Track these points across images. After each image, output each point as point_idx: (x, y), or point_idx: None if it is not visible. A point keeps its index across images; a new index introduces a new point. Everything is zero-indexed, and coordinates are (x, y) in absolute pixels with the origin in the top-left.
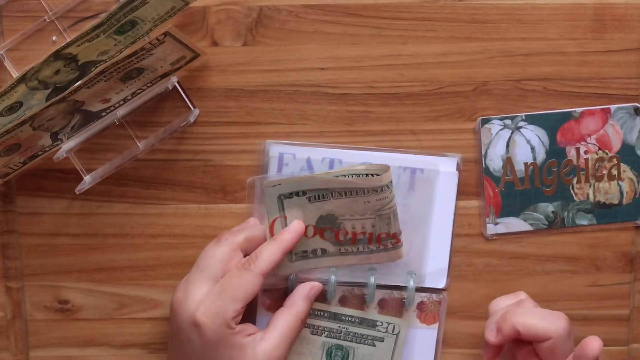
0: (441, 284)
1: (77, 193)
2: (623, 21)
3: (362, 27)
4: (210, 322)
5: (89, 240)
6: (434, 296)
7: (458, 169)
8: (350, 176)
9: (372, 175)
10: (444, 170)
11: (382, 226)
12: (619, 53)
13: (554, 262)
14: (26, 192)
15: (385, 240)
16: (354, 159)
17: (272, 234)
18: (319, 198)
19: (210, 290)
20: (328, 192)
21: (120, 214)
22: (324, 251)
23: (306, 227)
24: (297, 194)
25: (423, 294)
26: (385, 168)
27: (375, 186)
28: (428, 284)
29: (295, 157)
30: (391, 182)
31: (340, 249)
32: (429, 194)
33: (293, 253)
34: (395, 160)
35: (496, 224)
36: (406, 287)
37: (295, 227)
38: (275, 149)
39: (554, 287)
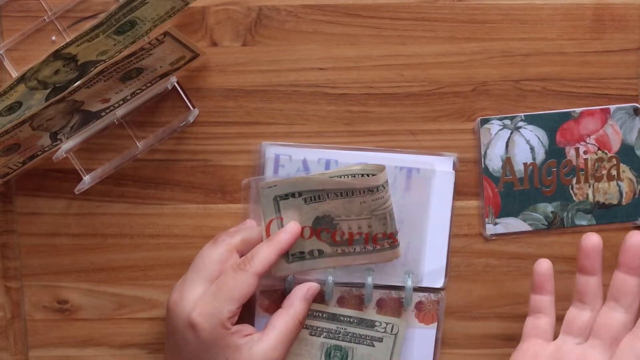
0: (439, 284)
1: (77, 193)
2: (622, 21)
3: (361, 27)
4: (206, 322)
5: (88, 240)
6: (432, 296)
7: (454, 168)
8: (346, 176)
9: (368, 175)
10: (440, 170)
11: (378, 226)
12: (618, 53)
13: (553, 262)
14: (26, 192)
15: (382, 240)
16: (350, 159)
17: (268, 235)
18: (314, 199)
19: (205, 290)
20: (324, 193)
21: (120, 214)
22: (320, 252)
23: (302, 228)
24: (293, 195)
25: (421, 294)
26: (381, 168)
27: (371, 186)
28: (426, 283)
29: (292, 159)
30: (387, 182)
31: (337, 250)
32: (426, 194)
33: (290, 254)
34: (391, 160)
35: (495, 224)
36: (404, 287)
37: (291, 228)
38: (271, 150)
39: (554, 287)
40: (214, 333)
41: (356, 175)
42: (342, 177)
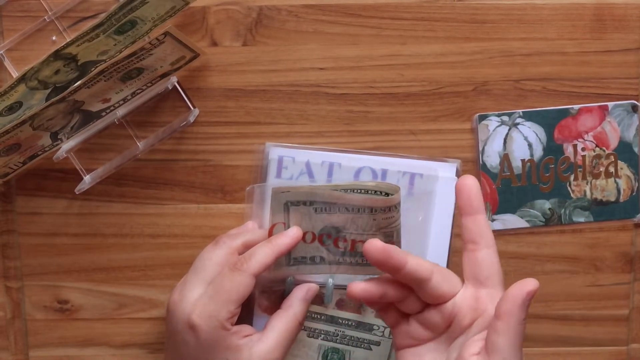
0: None
1: (77, 193)
2: (622, 21)
3: (361, 27)
4: (205, 324)
5: (89, 240)
6: None
7: (458, 174)
8: (360, 191)
9: (382, 193)
10: (444, 176)
11: (384, 242)
12: (619, 53)
13: (553, 262)
14: (26, 192)
15: None
16: (353, 163)
17: (270, 236)
18: (325, 210)
19: (204, 292)
20: (335, 206)
21: (120, 213)
22: (322, 259)
23: (305, 233)
24: (305, 203)
25: None
26: (396, 188)
27: (384, 206)
28: None
29: (295, 161)
30: (399, 203)
31: (338, 259)
32: (428, 200)
33: (292, 257)
34: (394, 164)
35: (493, 220)
36: None
37: (293, 232)
38: (275, 151)
39: (554, 287)
40: (213, 334)
41: (370, 192)
42: (355, 191)
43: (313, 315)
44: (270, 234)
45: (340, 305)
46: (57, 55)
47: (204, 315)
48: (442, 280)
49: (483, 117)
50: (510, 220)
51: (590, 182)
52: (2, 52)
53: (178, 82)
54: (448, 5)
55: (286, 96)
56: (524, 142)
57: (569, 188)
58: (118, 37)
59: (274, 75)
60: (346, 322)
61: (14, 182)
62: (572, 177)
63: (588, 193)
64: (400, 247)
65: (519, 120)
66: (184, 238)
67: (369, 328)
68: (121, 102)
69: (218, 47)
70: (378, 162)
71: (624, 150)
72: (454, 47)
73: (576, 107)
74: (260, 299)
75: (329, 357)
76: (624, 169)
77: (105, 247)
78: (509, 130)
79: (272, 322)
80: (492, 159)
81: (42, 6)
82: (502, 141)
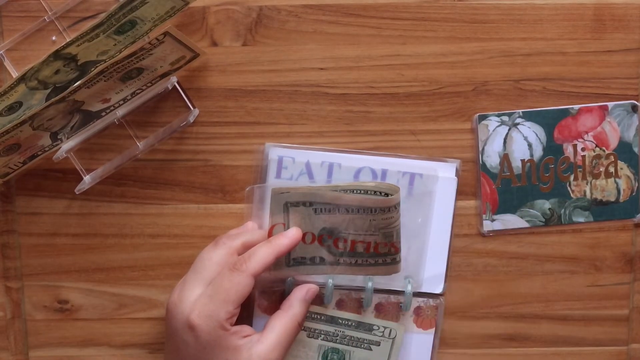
0: (438, 289)
1: (77, 193)
2: (622, 21)
3: (361, 27)
4: (204, 324)
5: (89, 240)
6: (431, 301)
7: (457, 174)
8: (359, 192)
9: (381, 193)
10: (443, 176)
11: (383, 242)
12: (619, 53)
13: (553, 262)
14: (26, 192)
15: (384, 256)
16: (353, 163)
17: (270, 237)
18: (325, 211)
19: (203, 292)
20: (335, 207)
21: (120, 214)
22: (322, 260)
23: (305, 234)
24: (304, 203)
25: (420, 299)
26: (395, 189)
27: (384, 207)
28: (425, 289)
29: (295, 161)
30: (399, 203)
31: (338, 259)
32: (428, 200)
33: (291, 258)
34: (394, 164)
35: (493, 220)
36: (403, 291)
37: (292, 233)
38: (275, 152)
39: (554, 288)
40: (213, 334)
41: (369, 192)
42: (355, 192)
43: (313, 316)
44: (270, 234)
45: (340, 305)
46: (57, 55)
47: (203, 315)
48: None
49: (483, 117)
50: (510, 220)
51: (590, 182)
52: (2, 52)
53: (178, 82)
54: (448, 5)
55: (286, 96)
56: (523, 142)
57: (568, 188)
58: (118, 37)
59: (274, 75)
60: (346, 322)
61: (14, 182)
62: (572, 177)
63: (588, 193)
64: (399, 247)
65: (518, 120)
66: (184, 238)
67: (369, 328)
68: (121, 102)
69: (218, 47)
70: (378, 162)
71: (623, 150)
72: (454, 47)
73: (576, 107)
74: (260, 300)
75: (328, 358)
76: (624, 169)
77: (105, 247)
78: (509, 130)
79: (271, 323)
80: (492, 159)
81: (42, 6)
82: (502, 141)
